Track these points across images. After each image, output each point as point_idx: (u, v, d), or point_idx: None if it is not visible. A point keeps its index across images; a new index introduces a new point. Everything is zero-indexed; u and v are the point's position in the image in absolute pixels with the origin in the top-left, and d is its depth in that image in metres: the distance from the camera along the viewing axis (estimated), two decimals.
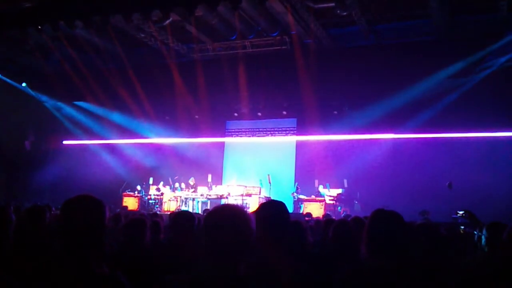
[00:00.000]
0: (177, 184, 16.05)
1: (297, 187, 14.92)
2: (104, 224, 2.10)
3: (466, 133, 13.56)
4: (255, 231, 1.98)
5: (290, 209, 13.65)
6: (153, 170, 17.40)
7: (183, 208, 14.67)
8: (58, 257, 1.98)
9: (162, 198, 15.74)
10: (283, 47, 14.42)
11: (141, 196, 15.96)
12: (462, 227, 5.71)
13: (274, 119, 17.04)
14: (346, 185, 14.44)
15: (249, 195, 14.78)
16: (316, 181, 14.80)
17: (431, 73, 12.91)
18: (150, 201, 15.93)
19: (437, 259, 3.11)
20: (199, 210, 14.61)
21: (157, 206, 15.60)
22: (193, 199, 15.20)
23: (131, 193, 16.09)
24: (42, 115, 18.58)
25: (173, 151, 17.69)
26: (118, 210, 12.36)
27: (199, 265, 1.92)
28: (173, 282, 1.93)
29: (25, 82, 17.49)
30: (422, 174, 13.71)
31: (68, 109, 18.74)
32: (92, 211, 2.07)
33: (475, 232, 4.30)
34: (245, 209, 2.10)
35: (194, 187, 15.60)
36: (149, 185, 16.56)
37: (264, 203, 2.76)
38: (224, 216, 1.97)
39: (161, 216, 7.72)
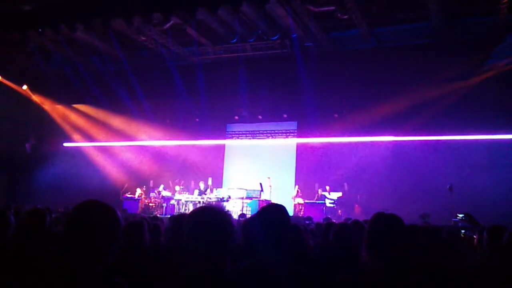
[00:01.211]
0: (177, 187, 16.04)
1: (297, 190, 14.92)
2: (116, 231, 2.03)
3: (466, 136, 13.55)
4: (236, 230, 1.99)
5: (291, 212, 13.64)
6: (153, 173, 17.40)
7: (183, 211, 14.65)
8: (58, 261, 1.97)
9: (163, 201, 15.73)
10: (284, 50, 14.44)
11: (142, 199, 15.94)
12: (463, 231, 5.71)
13: (275, 122, 17.05)
14: (346, 188, 14.43)
15: (250, 198, 14.77)
16: (317, 184, 14.80)
17: (431, 75, 12.91)
18: (151, 204, 15.91)
19: (438, 262, 3.11)
20: None
21: (158, 209, 15.60)
22: (199, 202, 15.13)
23: (132, 196, 16.08)
24: (42, 118, 18.59)
25: (174, 154, 17.70)
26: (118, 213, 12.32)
27: (187, 268, 1.91)
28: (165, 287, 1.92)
29: (26, 85, 17.51)
30: (422, 177, 13.69)
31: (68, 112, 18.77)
32: (104, 218, 2.03)
33: (474, 236, 4.30)
34: (226, 209, 2.11)
35: (205, 189, 15.52)
36: (150, 188, 16.56)
37: (265, 206, 2.76)
38: (205, 216, 1.97)
39: (161, 219, 7.72)
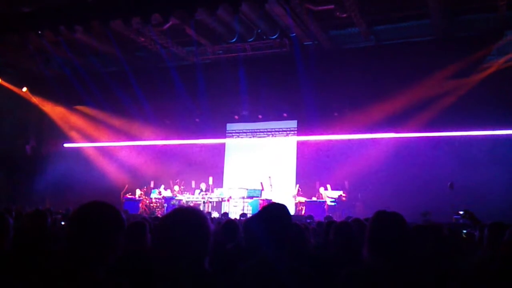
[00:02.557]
0: (176, 187, 16.05)
1: (298, 189, 14.91)
2: (119, 232, 2.04)
3: (467, 132, 13.56)
4: (212, 229, 2.02)
5: (292, 211, 13.65)
6: (154, 173, 17.39)
7: None
8: (61, 261, 1.97)
9: (164, 202, 15.73)
10: (283, 50, 14.43)
11: (143, 200, 15.94)
12: (465, 231, 5.68)
13: (275, 121, 17.05)
14: (347, 187, 14.42)
15: (251, 197, 14.77)
16: (318, 183, 14.79)
17: (432, 73, 12.91)
18: (152, 205, 15.91)
19: (439, 260, 3.11)
20: None
21: (159, 209, 15.61)
22: (201, 202, 15.16)
23: (133, 197, 16.08)
24: (42, 119, 18.60)
25: (174, 154, 17.70)
26: None
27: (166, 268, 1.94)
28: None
29: (26, 87, 17.52)
30: (423, 174, 13.69)
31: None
32: (108, 219, 2.03)
33: (475, 234, 4.29)
34: (200, 211, 2.15)
35: (207, 189, 15.53)
36: (150, 188, 16.55)
37: (266, 206, 2.75)
38: (179, 217, 2.00)
39: None
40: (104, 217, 2.00)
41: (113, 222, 2.01)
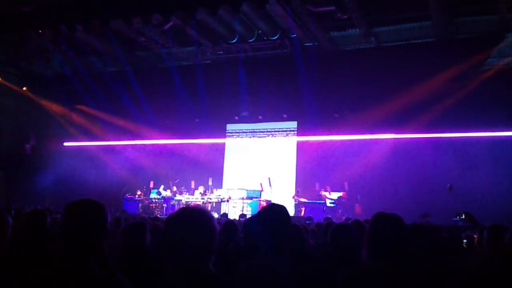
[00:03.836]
0: (174, 188, 16.04)
1: (297, 190, 14.90)
2: (104, 228, 2.09)
3: (467, 133, 13.56)
4: (218, 230, 2.01)
5: (291, 212, 13.64)
6: (153, 173, 17.38)
7: None
8: (58, 261, 1.98)
9: (163, 202, 15.72)
10: (284, 50, 14.43)
11: (142, 200, 15.93)
12: (463, 234, 5.67)
13: (275, 122, 17.04)
14: (347, 188, 14.42)
15: (250, 198, 14.76)
16: (317, 184, 14.78)
17: (432, 74, 12.91)
18: (151, 205, 15.90)
19: (438, 262, 3.11)
20: None
21: (158, 209, 15.60)
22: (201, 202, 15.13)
23: (132, 197, 16.07)
24: (42, 118, 18.59)
25: (174, 154, 17.69)
26: (118, 213, 12.34)
27: (170, 268, 1.94)
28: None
29: (26, 86, 17.51)
30: (422, 176, 13.69)
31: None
32: (93, 215, 2.06)
33: (475, 236, 4.29)
34: (206, 210, 2.13)
35: (205, 191, 15.54)
36: (150, 188, 16.54)
37: (265, 206, 2.76)
38: (185, 216, 1.99)
39: (162, 219, 7.70)
40: (87, 212, 2.04)
41: (95, 216, 2.05)
